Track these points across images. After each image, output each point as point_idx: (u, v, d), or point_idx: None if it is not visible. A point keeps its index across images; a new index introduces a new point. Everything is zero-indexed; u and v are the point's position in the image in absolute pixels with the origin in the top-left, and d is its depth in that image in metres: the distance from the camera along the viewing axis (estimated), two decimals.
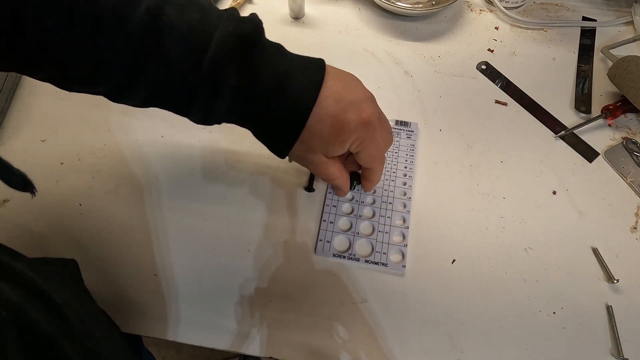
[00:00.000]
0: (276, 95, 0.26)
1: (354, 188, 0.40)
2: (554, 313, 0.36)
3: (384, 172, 0.42)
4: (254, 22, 0.26)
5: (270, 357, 0.34)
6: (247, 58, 0.26)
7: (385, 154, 0.34)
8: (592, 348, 0.35)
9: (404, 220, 0.39)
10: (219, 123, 0.29)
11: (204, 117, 0.28)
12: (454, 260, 0.38)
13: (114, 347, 0.29)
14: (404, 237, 0.39)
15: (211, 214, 0.40)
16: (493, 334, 0.35)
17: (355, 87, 0.29)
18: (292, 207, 0.40)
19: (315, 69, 0.28)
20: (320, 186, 0.41)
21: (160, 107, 0.29)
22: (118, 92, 0.27)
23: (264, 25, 0.28)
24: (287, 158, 0.31)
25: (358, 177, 0.37)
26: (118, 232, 0.39)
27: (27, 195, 0.40)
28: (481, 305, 0.36)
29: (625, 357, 0.34)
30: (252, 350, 0.34)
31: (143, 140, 0.44)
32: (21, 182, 0.25)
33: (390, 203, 0.40)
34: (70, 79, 0.26)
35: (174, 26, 0.24)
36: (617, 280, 0.37)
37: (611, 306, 0.36)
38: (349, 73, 0.30)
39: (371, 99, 0.30)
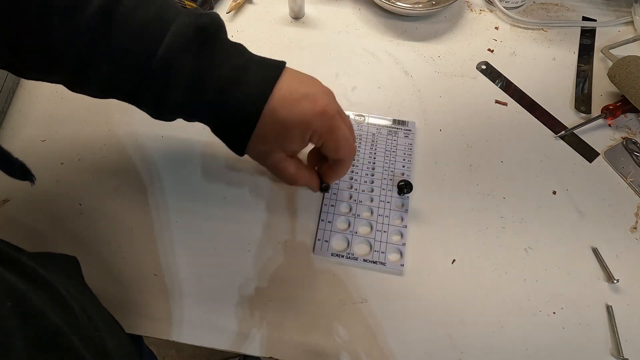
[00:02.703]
0: (230, 86, 0.26)
1: (328, 190, 0.40)
2: (554, 313, 0.36)
3: (381, 170, 0.42)
4: (213, 17, 0.26)
5: (270, 357, 0.34)
6: (204, 49, 0.26)
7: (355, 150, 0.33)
8: (592, 348, 0.35)
9: (402, 219, 0.39)
10: (173, 118, 0.29)
11: (157, 109, 0.28)
12: (454, 260, 0.38)
13: (118, 341, 0.29)
14: (402, 236, 0.38)
15: (211, 214, 0.40)
16: (493, 334, 0.35)
17: (312, 83, 0.29)
18: (292, 207, 0.40)
19: (273, 65, 0.28)
20: None
21: (116, 98, 0.28)
22: (73, 82, 0.27)
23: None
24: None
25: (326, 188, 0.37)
26: (118, 232, 0.39)
27: (28, 195, 0.40)
28: (481, 305, 0.36)
29: (625, 357, 0.34)
30: (252, 350, 0.34)
31: (143, 140, 0.44)
32: (20, 171, 0.25)
33: (388, 202, 0.40)
34: (26, 68, 0.26)
35: (126, 20, 0.24)
36: (617, 280, 0.37)
37: (611, 306, 0.36)
38: (310, 75, 0.30)
39: (328, 93, 0.29)
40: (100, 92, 0.28)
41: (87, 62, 0.25)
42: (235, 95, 0.26)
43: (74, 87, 0.28)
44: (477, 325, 0.35)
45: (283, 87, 0.27)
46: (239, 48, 0.28)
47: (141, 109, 0.29)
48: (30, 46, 0.24)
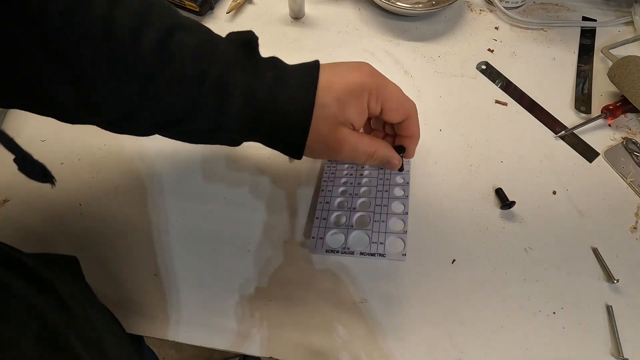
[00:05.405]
0: (280, 86, 0.28)
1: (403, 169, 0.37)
2: (554, 313, 0.36)
3: (376, 174, 0.41)
4: (253, 34, 0.29)
5: (270, 357, 0.34)
6: (251, 59, 0.28)
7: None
8: (592, 348, 0.35)
9: (404, 206, 0.38)
10: (227, 136, 0.30)
11: (213, 127, 0.28)
12: (454, 260, 0.38)
13: (116, 340, 0.29)
14: (404, 223, 0.37)
15: (211, 214, 0.40)
16: (493, 334, 0.35)
17: (346, 62, 0.30)
18: (292, 207, 0.40)
19: (310, 63, 0.30)
20: (312, 184, 0.41)
21: (163, 130, 0.29)
22: (122, 118, 0.27)
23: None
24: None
25: (401, 149, 0.33)
26: (118, 232, 0.39)
27: (28, 195, 0.40)
28: (481, 305, 0.36)
29: (625, 357, 0.34)
30: (252, 350, 0.34)
31: (143, 140, 0.43)
32: (41, 173, 0.25)
33: (386, 191, 0.39)
34: (75, 112, 0.26)
35: (183, 45, 0.25)
36: (617, 280, 0.37)
37: (611, 306, 0.36)
38: None
39: (365, 62, 0.30)
40: (150, 125, 0.28)
41: (147, 89, 0.25)
42: (285, 91, 0.28)
43: (123, 123, 0.28)
44: (477, 325, 0.35)
45: (327, 71, 0.29)
46: (274, 58, 0.30)
47: (192, 129, 0.29)
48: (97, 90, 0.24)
